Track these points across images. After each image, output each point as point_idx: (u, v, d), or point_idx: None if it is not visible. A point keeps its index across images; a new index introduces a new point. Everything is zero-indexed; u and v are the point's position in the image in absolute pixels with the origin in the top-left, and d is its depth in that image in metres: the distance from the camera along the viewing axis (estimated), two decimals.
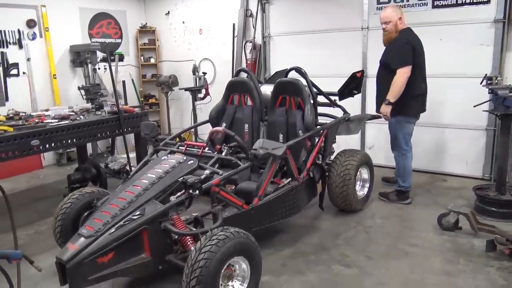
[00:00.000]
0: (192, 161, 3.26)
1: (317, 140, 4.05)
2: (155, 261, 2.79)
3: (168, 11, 8.04)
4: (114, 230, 2.67)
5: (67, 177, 4.93)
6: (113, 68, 6.62)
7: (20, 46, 6.29)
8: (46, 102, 6.52)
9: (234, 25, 7.20)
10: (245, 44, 7.14)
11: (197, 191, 2.90)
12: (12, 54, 6.19)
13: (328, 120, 4.40)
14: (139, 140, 5.15)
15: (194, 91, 7.11)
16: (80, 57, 6.70)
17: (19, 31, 6.25)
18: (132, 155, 5.42)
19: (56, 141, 4.20)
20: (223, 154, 3.59)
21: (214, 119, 4.39)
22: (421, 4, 5.44)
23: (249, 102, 4.34)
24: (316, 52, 6.28)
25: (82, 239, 2.60)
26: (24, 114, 4.68)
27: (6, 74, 6.15)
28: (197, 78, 7.15)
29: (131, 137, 5.68)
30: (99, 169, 5.00)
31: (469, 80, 5.06)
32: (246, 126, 4.29)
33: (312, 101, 4.08)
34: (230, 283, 2.69)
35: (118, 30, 7.85)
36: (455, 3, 5.21)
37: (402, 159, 4.58)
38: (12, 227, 2.41)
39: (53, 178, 6.12)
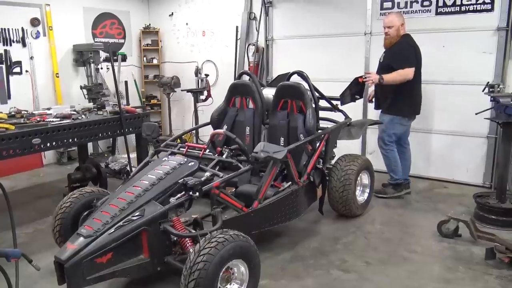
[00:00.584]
0: (192, 163, 3.25)
1: (318, 144, 4.05)
2: (154, 262, 2.79)
3: (172, 13, 8.06)
4: (113, 230, 2.66)
5: (68, 176, 4.93)
6: (116, 68, 6.63)
7: (24, 45, 6.30)
8: (48, 101, 6.53)
9: (237, 27, 7.21)
10: (248, 47, 7.15)
11: (197, 193, 2.91)
12: (16, 52, 6.21)
13: (329, 125, 4.40)
14: (140, 141, 5.16)
15: (196, 93, 7.11)
16: (83, 56, 6.71)
17: (23, 29, 6.27)
18: (133, 155, 5.43)
19: (57, 140, 4.20)
20: (224, 156, 3.59)
21: (216, 121, 4.39)
22: (425, 11, 5.45)
23: (251, 105, 4.35)
24: (319, 56, 6.29)
25: (81, 238, 2.60)
26: (26, 112, 4.69)
27: (9, 72, 6.16)
28: (199, 80, 7.16)
29: (132, 138, 5.69)
30: (99, 169, 4.99)
31: (471, 87, 5.07)
32: (248, 129, 4.29)
33: (313, 105, 4.08)
34: (228, 286, 2.68)
35: (122, 31, 7.87)
36: (458, 10, 5.22)
37: (391, 155, 4.84)
38: (12, 225, 2.41)
39: (54, 177, 6.12)
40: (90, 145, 6.75)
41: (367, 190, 4.57)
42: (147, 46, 8.23)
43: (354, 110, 5.17)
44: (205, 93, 7.19)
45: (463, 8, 5.19)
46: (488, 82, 4.29)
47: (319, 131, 4.11)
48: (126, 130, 4.89)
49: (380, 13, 5.75)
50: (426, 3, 5.42)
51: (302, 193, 3.79)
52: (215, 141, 3.91)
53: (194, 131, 7.17)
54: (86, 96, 6.48)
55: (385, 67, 4.66)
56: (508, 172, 4.31)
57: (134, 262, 2.73)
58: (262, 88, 4.54)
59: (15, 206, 4.62)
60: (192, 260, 2.46)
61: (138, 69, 8.28)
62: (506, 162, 4.22)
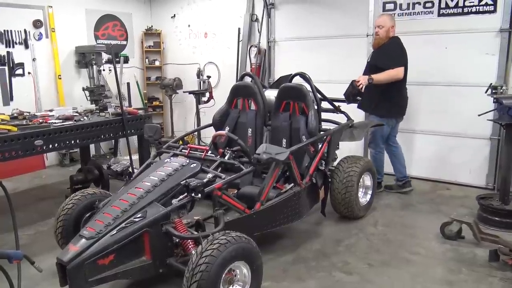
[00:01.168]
0: (194, 165, 3.25)
1: (320, 146, 4.04)
2: (156, 264, 2.78)
3: (174, 14, 8.07)
4: (115, 232, 2.66)
5: (70, 178, 4.93)
6: (118, 70, 6.62)
7: (26, 46, 6.32)
8: (50, 103, 6.55)
9: (239, 29, 7.21)
10: (250, 49, 7.15)
11: (199, 195, 2.90)
12: (18, 54, 6.22)
13: (331, 126, 4.39)
14: (142, 142, 5.15)
15: (198, 95, 7.11)
16: (85, 58, 6.72)
17: (25, 31, 6.28)
18: (135, 157, 5.43)
19: (60, 142, 4.20)
20: (226, 158, 3.58)
21: (218, 123, 4.39)
22: (427, 12, 5.44)
23: (253, 107, 4.34)
24: (321, 58, 6.28)
25: (83, 240, 2.60)
26: (28, 114, 4.69)
27: (12, 73, 6.18)
28: (201, 82, 7.16)
29: (134, 139, 5.68)
30: (101, 170, 4.99)
31: (474, 89, 5.06)
32: (250, 130, 4.28)
33: (316, 107, 4.07)
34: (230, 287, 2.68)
35: (124, 32, 7.88)
36: (461, 12, 5.21)
37: (379, 156, 5.07)
38: (14, 227, 2.41)
39: (56, 179, 6.12)
40: (92, 147, 6.74)
41: (370, 192, 4.56)
42: (149, 48, 8.25)
43: (356, 111, 5.16)
44: (207, 94, 7.19)
45: (465, 10, 5.18)
46: (491, 83, 4.27)
47: (321, 132, 4.10)
48: (128, 131, 4.89)
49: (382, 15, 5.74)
50: (428, 4, 5.41)
51: (304, 194, 3.78)
52: (217, 143, 3.91)
53: (196, 133, 7.16)
54: (88, 98, 6.48)
55: (373, 67, 4.72)
56: (511, 173, 4.29)
57: (136, 264, 2.72)
58: (264, 89, 4.54)
59: (17, 208, 4.62)
60: (194, 262, 2.45)
61: (140, 70, 8.29)
62: (509, 163, 4.20)
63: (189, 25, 7.93)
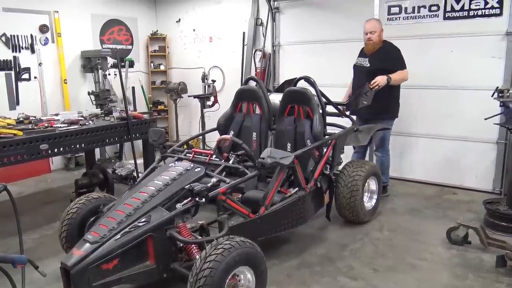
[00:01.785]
0: (199, 169, 3.25)
1: (325, 150, 4.03)
2: (160, 269, 2.77)
3: (179, 19, 8.10)
4: (119, 236, 2.65)
5: (75, 182, 4.95)
6: (123, 74, 6.67)
7: (32, 51, 6.36)
8: (56, 107, 6.58)
9: (244, 33, 7.23)
10: (254, 53, 7.16)
11: (203, 199, 2.90)
12: (24, 58, 6.27)
13: (336, 130, 4.37)
14: (147, 147, 5.17)
15: (202, 99, 7.12)
16: (91, 62, 6.76)
17: (31, 36, 6.33)
18: (140, 161, 5.44)
19: (65, 146, 4.23)
20: (230, 162, 3.58)
21: (222, 127, 4.39)
22: (433, 16, 5.42)
23: (258, 111, 4.34)
24: (326, 61, 6.27)
25: (88, 244, 2.59)
26: (34, 118, 4.72)
27: (18, 78, 6.22)
28: (206, 86, 7.17)
29: (139, 143, 5.70)
30: (106, 174, 5.00)
31: (480, 92, 5.02)
32: (254, 134, 4.28)
33: (320, 111, 4.06)
34: None
35: (129, 37, 7.92)
36: (466, 15, 5.19)
37: (386, 159, 5.11)
38: (18, 231, 2.41)
39: (61, 183, 6.15)
40: (97, 151, 6.77)
41: (375, 196, 4.53)
42: (155, 52, 8.28)
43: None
44: (212, 98, 7.20)
45: (471, 13, 5.15)
46: (498, 87, 4.24)
47: (326, 136, 4.08)
48: (133, 135, 4.91)
49: (388, 18, 5.74)
50: (434, 8, 5.40)
51: (309, 199, 3.76)
52: (222, 147, 3.90)
53: (200, 137, 7.17)
54: (94, 102, 6.51)
55: (374, 72, 4.67)
56: None
57: (140, 269, 2.72)
58: (268, 93, 4.53)
59: (22, 212, 4.65)
60: (198, 267, 2.44)
61: (146, 75, 8.32)
62: None
63: (194, 30, 7.96)
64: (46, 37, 6.52)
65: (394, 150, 5.92)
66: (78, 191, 4.86)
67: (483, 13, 5.08)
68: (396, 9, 5.67)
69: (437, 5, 5.36)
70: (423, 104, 5.64)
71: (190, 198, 2.94)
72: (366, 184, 4.32)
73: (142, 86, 7.98)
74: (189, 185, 2.95)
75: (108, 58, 6.72)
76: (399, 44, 5.66)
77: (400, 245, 3.93)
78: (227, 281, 2.50)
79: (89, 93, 6.57)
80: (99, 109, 5.87)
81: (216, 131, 4.47)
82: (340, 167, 4.39)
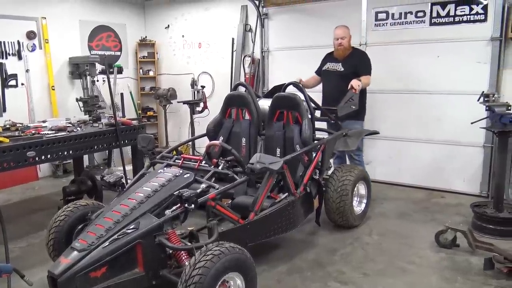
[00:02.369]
0: (188, 175, 3.23)
1: (314, 155, 4.04)
2: (149, 276, 2.75)
3: (168, 25, 8.10)
4: (107, 244, 2.63)
5: (63, 189, 4.89)
6: (112, 81, 6.63)
7: (20, 57, 6.30)
8: (43, 113, 6.52)
9: (233, 39, 7.25)
10: (243, 59, 7.18)
11: (192, 205, 2.88)
12: (11, 65, 6.20)
13: (325, 135, 4.39)
14: (136, 153, 5.14)
15: (192, 104, 7.11)
16: (79, 69, 6.71)
17: (18, 42, 6.27)
18: (129, 167, 5.40)
19: (52, 153, 4.18)
20: (220, 168, 3.57)
21: (212, 133, 4.38)
22: (419, 22, 5.49)
23: (247, 116, 4.34)
24: (314, 67, 6.27)
25: (75, 252, 2.56)
26: (21, 125, 4.67)
27: (5, 85, 6.15)
28: (196, 92, 7.16)
29: (128, 150, 5.66)
30: (95, 181, 4.96)
31: (466, 97, 5.09)
32: (244, 140, 4.28)
33: (309, 116, 4.08)
34: None
35: (118, 43, 7.89)
36: (452, 21, 5.27)
37: (361, 160, 5.23)
38: (4, 239, 2.38)
39: (49, 190, 6.07)
40: (85, 158, 6.71)
41: (364, 201, 4.55)
42: (144, 58, 8.26)
43: None
44: (201, 104, 7.19)
45: (456, 19, 5.24)
46: (483, 91, 4.31)
47: (315, 141, 4.10)
48: (122, 142, 4.88)
49: (375, 24, 5.81)
50: (420, 14, 5.47)
51: (298, 204, 3.77)
52: (211, 153, 3.90)
53: (190, 143, 7.15)
54: (82, 109, 6.46)
55: (348, 75, 4.78)
56: (504, 181, 4.31)
57: (129, 276, 2.69)
58: (257, 99, 4.54)
59: (9, 220, 4.60)
60: (188, 273, 2.42)
61: (135, 81, 8.29)
62: (502, 171, 4.23)
63: (183, 36, 7.96)
64: (34, 44, 6.46)
65: (382, 155, 5.99)
66: (66, 198, 4.80)
67: (468, 19, 5.16)
68: (383, 15, 5.74)
69: (424, 11, 5.44)
70: (410, 109, 5.70)
71: (179, 204, 2.93)
72: (356, 188, 4.34)
73: (131, 92, 7.94)
74: (178, 191, 2.93)
75: (97, 64, 6.68)
76: (386, 50, 5.77)
77: (390, 249, 3.95)
78: (217, 287, 2.49)
79: (77, 100, 6.52)
80: (88, 116, 5.83)
81: (206, 137, 4.46)
82: (330, 172, 4.41)
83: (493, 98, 4.18)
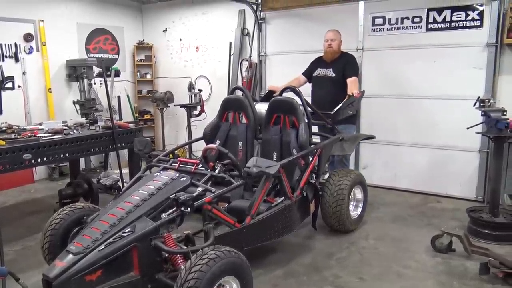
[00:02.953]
0: (184, 178, 3.23)
1: (311, 159, 4.05)
2: (144, 279, 2.74)
3: (166, 28, 8.11)
4: (103, 247, 2.61)
5: (59, 192, 4.87)
6: (109, 84, 6.63)
7: (16, 60, 6.30)
8: (40, 116, 6.50)
9: (230, 43, 7.26)
10: (241, 62, 7.20)
11: (188, 209, 2.87)
12: (8, 67, 6.19)
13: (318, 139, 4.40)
14: (133, 156, 5.12)
15: (189, 108, 7.12)
16: (76, 71, 6.71)
17: (16, 44, 6.27)
18: (125, 171, 5.38)
19: (49, 156, 4.16)
20: (216, 171, 3.56)
21: (208, 136, 4.38)
22: (416, 27, 5.52)
23: (244, 120, 4.34)
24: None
25: (70, 256, 2.55)
26: (17, 127, 4.65)
27: (1, 87, 6.12)
28: (193, 95, 7.17)
29: (124, 153, 5.65)
30: (91, 184, 4.94)
31: (462, 102, 5.12)
32: (240, 143, 4.28)
33: (306, 120, 4.09)
34: None
35: (115, 46, 7.90)
36: (448, 26, 5.30)
37: (348, 162, 5.25)
38: None
39: (45, 193, 6.05)
40: (82, 161, 6.69)
41: (361, 205, 4.56)
42: (141, 61, 8.26)
43: None
44: (199, 108, 7.20)
45: (453, 25, 5.27)
46: (479, 97, 4.33)
47: (312, 146, 4.10)
48: (119, 145, 4.86)
49: (372, 29, 5.83)
50: (416, 19, 5.50)
51: (295, 208, 3.77)
52: (208, 156, 3.89)
53: (187, 146, 7.14)
54: (79, 111, 6.45)
55: (340, 81, 4.87)
56: (500, 186, 4.32)
57: (124, 280, 2.67)
58: (254, 103, 4.55)
59: (4, 223, 4.58)
60: (183, 277, 2.42)
61: (132, 84, 8.28)
62: (498, 176, 4.24)
63: (180, 39, 7.97)
64: (31, 46, 6.46)
65: (379, 159, 6.00)
66: (62, 201, 4.78)
67: (464, 25, 5.19)
68: (380, 20, 5.77)
69: (420, 17, 5.47)
70: (407, 114, 5.72)
71: (175, 208, 2.92)
72: (352, 193, 4.35)
73: (128, 95, 7.94)
74: (174, 195, 2.92)
75: (94, 67, 6.68)
76: (383, 55, 5.79)
77: (386, 254, 3.95)
78: None
79: (74, 102, 6.51)
80: (84, 119, 5.81)
81: (203, 141, 4.46)
82: (326, 176, 4.42)
83: (489, 104, 4.20)
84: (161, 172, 3.44)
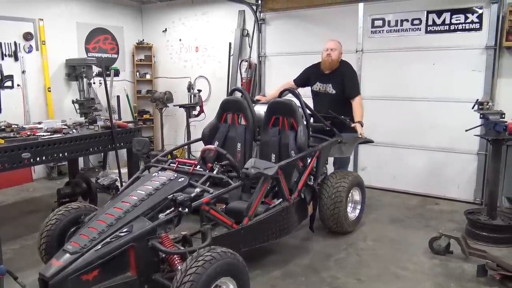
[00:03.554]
0: (182, 179, 3.23)
1: (309, 161, 4.05)
2: (141, 280, 2.73)
3: (166, 29, 8.11)
4: (100, 246, 2.61)
5: (57, 191, 4.87)
6: (108, 83, 6.62)
7: (16, 59, 6.30)
8: (39, 115, 6.50)
9: (230, 44, 7.27)
10: (240, 63, 7.20)
11: (186, 209, 2.87)
12: (7, 66, 6.19)
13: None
14: (132, 156, 5.12)
15: (188, 108, 7.12)
16: (75, 71, 6.71)
17: (15, 43, 6.27)
18: (124, 170, 5.39)
19: (48, 155, 4.17)
20: (215, 172, 3.56)
21: (207, 137, 4.38)
22: (415, 29, 5.53)
23: (243, 121, 4.34)
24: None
25: (67, 255, 2.55)
26: (16, 126, 4.66)
27: (0, 86, 6.12)
28: (192, 95, 7.17)
29: (123, 153, 5.65)
30: (89, 184, 4.94)
31: (461, 104, 5.12)
32: (239, 145, 4.28)
33: (305, 122, 4.09)
34: None
35: (115, 46, 7.90)
36: (447, 29, 5.31)
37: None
38: None
39: (43, 192, 6.05)
40: (80, 160, 6.69)
41: (359, 207, 4.56)
42: (140, 61, 8.26)
43: None
44: (198, 108, 7.20)
45: (452, 27, 5.28)
46: (478, 99, 4.34)
47: (310, 148, 4.10)
48: (118, 145, 4.87)
49: (371, 31, 5.84)
50: (416, 22, 5.51)
51: (293, 210, 3.77)
52: (206, 157, 3.89)
53: (185, 147, 7.14)
54: (78, 111, 6.46)
55: (340, 96, 4.68)
56: (498, 189, 4.33)
57: (121, 280, 2.67)
58: (253, 104, 4.55)
59: (2, 221, 4.58)
60: (179, 280, 2.41)
61: (131, 84, 8.28)
62: (496, 179, 4.25)
63: (180, 39, 7.98)
64: (30, 45, 6.46)
65: (377, 161, 6.00)
66: (61, 200, 4.78)
67: (464, 28, 5.20)
68: (379, 22, 5.78)
69: (419, 19, 5.48)
70: (405, 116, 5.72)
71: (173, 208, 2.92)
72: (350, 194, 4.35)
73: (127, 95, 7.94)
74: (172, 195, 2.92)
75: (93, 66, 6.68)
76: (382, 57, 5.80)
77: (384, 255, 3.95)
78: None
79: (73, 102, 6.52)
80: (83, 118, 5.82)
81: (201, 141, 4.46)
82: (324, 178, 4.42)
83: (488, 106, 4.21)
84: (159, 172, 3.44)
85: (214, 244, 2.82)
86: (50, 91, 6.72)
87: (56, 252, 2.76)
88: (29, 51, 6.45)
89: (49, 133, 4.38)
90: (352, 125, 4.49)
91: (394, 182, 5.93)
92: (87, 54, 7.29)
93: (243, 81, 7.11)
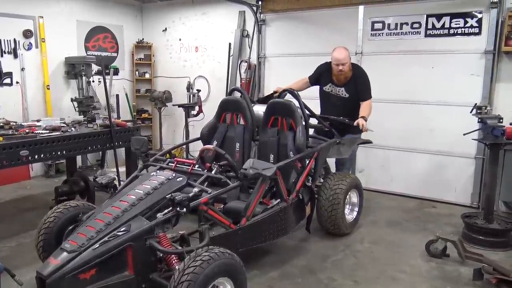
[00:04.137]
0: (181, 178, 3.23)
1: (307, 162, 4.05)
2: (139, 279, 2.73)
3: (166, 28, 8.11)
4: (98, 245, 2.61)
5: (55, 189, 4.87)
6: (108, 82, 6.62)
7: (15, 56, 6.29)
8: (38, 113, 6.49)
9: (230, 44, 7.27)
10: (240, 64, 7.21)
11: (184, 209, 2.87)
12: (7, 63, 6.15)
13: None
14: (130, 155, 5.12)
15: (187, 108, 7.12)
16: (75, 69, 6.70)
17: (15, 40, 6.26)
18: (122, 169, 5.38)
19: (46, 152, 4.16)
20: (213, 172, 3.57)
21: (206, 137, 4.38)
22: (414, 33, 5.55)
23: (241, 121, 4.35)
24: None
25: (65, 253, 2.55)
26: (15, 123, 4.64)
27: None
28: (191, 95, 7.18)
29: (122, 151, 5.65)
30: (87, 182, 4.93)
31: (459, 108, 5.14)
32: (237, 145, 4.28)
33: (303, 123, 4.09)
34: None
35: (115, 44, 7.89)
36: (447, 33, 5.33)
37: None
38: None
39: (41, 190, 6.04)
40: (79, 158, 6.68)
41: (356, 209, 4.57)
42: (140, 60, 8.26)
43: None
44: (197, 108, 7.20)
45: (451, 31, 5.30)
46: (476, 103, 4.35)
47: (309, 148, 4.11)
48: (116, 143, 4.86)
49: (371, 34, 5.86)
50: (415, 25, 5.53)
51: (290, 210, 3.77)
52: (205, 157, 3.90)
53: (184, 146, 7.14)
54: (77, 109, 6.45)
55: (354, 99, 4.67)
56: (495, 193, 4.34)
57: (118, 279, 2.67)
58: (252, 104, 4.56)
59: None
60: (176, 279, 2.41)
61: (130, 83, 8.28)
62: (493, 183, 4.26)
63: (180, 39, 7.98)
64: (30, 42, 6.45)
65: (375, 163, 6.02)
66: (58, 198, 4.77)
67: (463, 32, 5.22)
68: (379, 25, 5.80)
69: (419, 23, 5.49)
70: (404, 119, 5.74)
71: (171, 208, 2.92)
72: (348, 196, 4.36)
73: (126, 94, 7.94)
74: (170, 195, 2.92)
75: (93, 65, 6.67)
76: (382, 59, 5.81)
77: (381, 257, 3.96)
78: None
79: (72, 100, 6.51)
80: (82, 116, 5.81)
81: (200, 141, 4.46)
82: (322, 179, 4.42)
83: (486, 111, 4.23)
84: (158, 171, 3.44)
85: (212, 244, 2.82)
86: (49, 89, 6.71)
87: (54, 250, 2.77)
88: (29, 49, 6.44)
89: (47, 131, 4.37)
90: (355, 122, 4.46)
91: (392, 184, 5.94)
92: (86, 53, 7.28)
93: (242, 81, 7.12)
